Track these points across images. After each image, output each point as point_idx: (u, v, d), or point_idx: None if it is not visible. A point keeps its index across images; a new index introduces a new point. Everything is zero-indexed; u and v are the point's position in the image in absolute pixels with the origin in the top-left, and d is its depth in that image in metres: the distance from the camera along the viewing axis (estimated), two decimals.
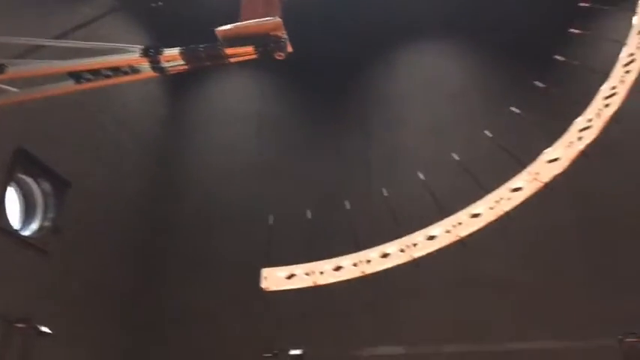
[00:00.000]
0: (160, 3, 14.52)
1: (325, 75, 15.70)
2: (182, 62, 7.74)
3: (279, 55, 7.80)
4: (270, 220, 7.57)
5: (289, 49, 7.84)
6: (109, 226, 12.95)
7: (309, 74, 15.43)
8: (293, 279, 7.40)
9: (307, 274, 7.31)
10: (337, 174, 14.55)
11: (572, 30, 7.41)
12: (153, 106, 15.96)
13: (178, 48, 7.59)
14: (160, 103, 16.33)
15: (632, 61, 6.49)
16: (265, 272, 7.57)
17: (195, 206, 15.09)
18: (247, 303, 12.07)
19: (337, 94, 15.79)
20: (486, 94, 14.82)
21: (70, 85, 7.31)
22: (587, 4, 7.07)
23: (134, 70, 7.85)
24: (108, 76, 7.60)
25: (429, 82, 15.57)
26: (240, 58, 7.93)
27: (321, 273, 7.31)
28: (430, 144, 14.27)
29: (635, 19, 6.73)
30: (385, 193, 7.71)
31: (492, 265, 12.18)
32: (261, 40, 7.66)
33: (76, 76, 7.35)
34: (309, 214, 7.41)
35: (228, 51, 7.75)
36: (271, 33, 7.67)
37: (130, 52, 7.60)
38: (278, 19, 7.61)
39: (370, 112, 15.57)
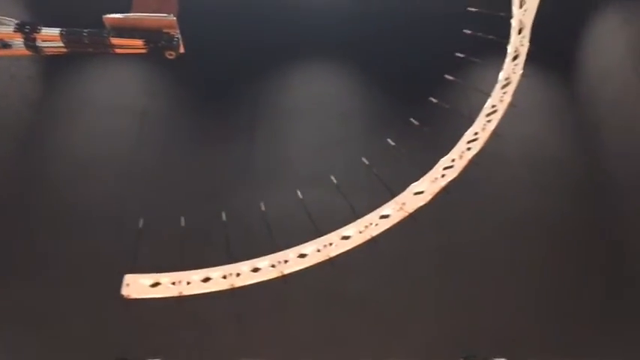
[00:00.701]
0: None
1: (219, 77, 15.51)
2: (61, 44, 7.22)
3: (170, 54, 7.58)
4: (140, 223, 7.18)
5: (181, 49, 7.65)
6: None
7: (202, 74, 15.14)
8: (158, 288, 7.10)
9: (173, 283, 7.07)
10: (218, 181, 14.32)
11: (446, 76, 8.14)
12: (23, 85, 14.47)
13: (59, 29, 7.08)
14: (32, 84, 14.88)
15: (494, 112, 7.27)
16: (128, 279, 7.18)
17: (58, 200, 13.83)
18: (106, 308, 11.31)
19: (229, 99, 15.61)
20: (372, 120, 15.58)
21: None
22: (462, 55, 7.83)
23: (4, 45, 7.20)
24: None
25: (320, 99, 15.98)
26: (127, 51, 7.57)
27: (188, 283, 7.12)
28: (314, 161, 14.63)
29: (500, 75, 7.56)
30: (262, 208, 7.73)
31: (357, 285, 12.75)
32: (152, 36, 7.39)
33: None
34: (182, 221, 7.14)
35: (115, 41, 7.37)
36: (164, 30, 7.45)
37: (3, 24, 6.97)
38: (173, 17, 7.40)
39: (259, 121, 15.56)
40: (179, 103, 15.87)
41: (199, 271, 7.28)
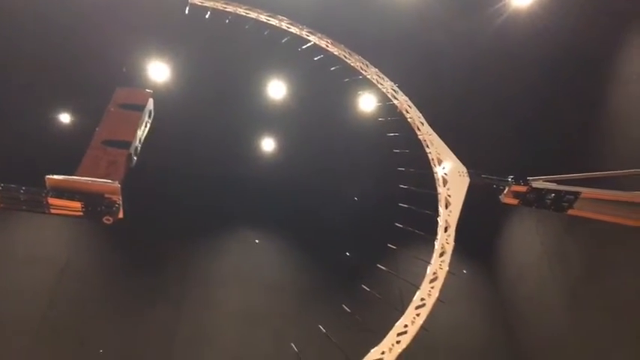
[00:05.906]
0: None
1: (148, 238, 15.16)
2: None
3: (107, 219, 7.45)
4: None
5: (120, 215, 7.57)
6: None
7: (133, 229, 14.70)
8: None
9: None
10: (134, 346, 13.17)
11: (379, 265, 8.44)
12: None
13: None
14: None
15: (422, 305, 7.43)
16: None
17: None
18: None
19: (158, 260, 15.13)
20: (301, 296, 15.38)
21: None
22: (394, 247, 8.25)
23: None
24: None
25: (250, 269, 15.77)
26: (63, 212, 7.41)
27: None
28: (239, 336, 13.98)
29: (428, 269, 7.88)
30: None
31: None
32: (93, 200, 7.33)
33: None
34: None
35: (52, 201, 7.25)
36: (106, 195, 7.42)
37: None
38: (117, 184, 7.44)
39: (187, 288, 14.93)
40: (103, 260, 15.10)
41: None
